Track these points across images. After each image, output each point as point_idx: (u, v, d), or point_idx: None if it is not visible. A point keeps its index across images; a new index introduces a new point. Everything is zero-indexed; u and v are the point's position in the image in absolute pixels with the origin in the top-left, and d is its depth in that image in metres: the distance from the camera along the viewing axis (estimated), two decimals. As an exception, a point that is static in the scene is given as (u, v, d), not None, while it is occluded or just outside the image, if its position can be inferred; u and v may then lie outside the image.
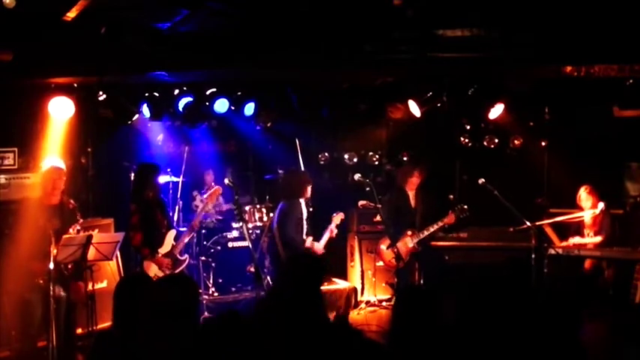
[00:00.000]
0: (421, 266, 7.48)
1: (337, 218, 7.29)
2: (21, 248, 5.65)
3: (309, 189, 7.06)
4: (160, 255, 6.49)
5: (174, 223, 7.97)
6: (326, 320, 3.88)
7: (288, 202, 7.01)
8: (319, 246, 7.07)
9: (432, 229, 7.19)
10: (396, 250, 6.54)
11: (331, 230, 7.18)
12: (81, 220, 5.87)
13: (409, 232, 7.18)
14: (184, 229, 7.12)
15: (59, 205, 5.90)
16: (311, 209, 7.45)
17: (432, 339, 2.94)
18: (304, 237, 6.97)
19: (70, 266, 5.76)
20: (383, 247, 7.42)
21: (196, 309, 3.59)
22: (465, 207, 7.22)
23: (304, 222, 7.00)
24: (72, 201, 5.99)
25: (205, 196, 7.16)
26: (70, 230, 5.70)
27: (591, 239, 7.36)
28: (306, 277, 4.01)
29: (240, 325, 3.17)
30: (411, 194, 7.52)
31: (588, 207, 7.36)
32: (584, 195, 7.40)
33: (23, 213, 5.81)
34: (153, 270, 6.37)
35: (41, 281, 5.66)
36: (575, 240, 7.37)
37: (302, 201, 7.04)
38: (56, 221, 5.79)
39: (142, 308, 3.48)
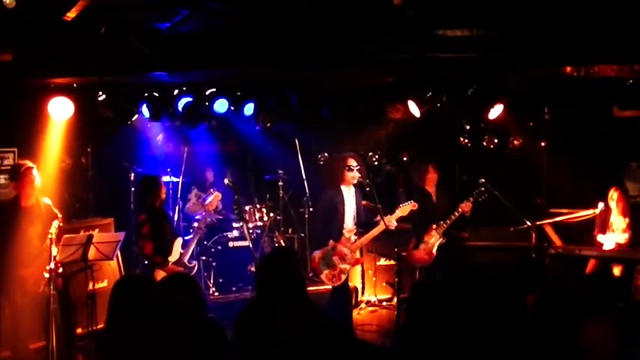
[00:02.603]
0: (439, 264, 7.27)
1: (407, 208, 6.30)
2: (7, 252, 5.64)
3: (347, 175, 6.13)
4: (170, 264, 6.43)
5: (174, 224, 7.97)
6: (312, 320, 3.83)
7: (322, 192, 6.33)
8: (348, 243, 6.13)
9: (453, 218, 6.96)
10: (396, 250, 6.52)
11: (387, 224, 6.10)
12: (60, 216, 5.79)
13: (434, 226, 7.00)
14: (190, 236, 7.09)
15: (36, 206, 5.85)
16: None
17: (446, 337, 2.93)
18: (345, 230, 6.11)
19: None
20: (410, 246, 7.14)
21: (199, 308, 3.58)
22: (482, 189, 6.91)
23: (345, 212, 6.14)
24: (47, 200, 5.90)
25: (207, 202, 7.07)
26: (52, 227, 5.54)
27: (620, 235, 7.23)
28: (276, 271, 3.91)
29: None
30: (432, 191, 7.31)
31: (619, 209, 7.30)
32: (615, 196, 7.30)
33: (2, 218, 5.78)
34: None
35: (33, 285, 5.67)
36: (605, 238, 7.25)
37: (346, 188, 6.17)
38: (37, 223, 5.77)
39: (141, 309, 3.48)
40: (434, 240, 7.02)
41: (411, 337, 3.09)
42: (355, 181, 6.19)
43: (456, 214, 6.96)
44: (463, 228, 7.63)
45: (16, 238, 5.67)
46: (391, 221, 6.13)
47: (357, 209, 6.24)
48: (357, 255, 6.34)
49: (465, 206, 6.94)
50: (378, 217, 6.15)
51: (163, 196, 6.69)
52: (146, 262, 6.52)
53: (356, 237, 6.20)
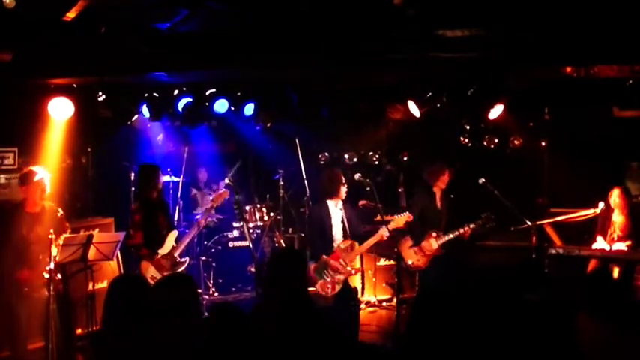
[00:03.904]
0: (442, 270, 7.20)
1: (401, 219, 6.39)
2: (4, 256, 5.65)
3: (342, 189, 6.25)
4: (159, 256, 6.43)
5: (175, 224, 7.96)
6: (314, 321, 3.83)
7: (317, 203, 6.47)
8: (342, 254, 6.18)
9: (457, 233, 6.85)
10: (396, 250, 6.50)
11: (381, 235, 6.24)
12: (69, 230, 5.85)
13: (433, 234, 6.91)
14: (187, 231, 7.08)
15: (41, 212, 5.86)
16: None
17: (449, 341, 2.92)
18: (335, 242, 6.21)
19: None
20: (405, 246, 7.03)
21: (196, 308, 3.59)
22: (493, 216, 6.85)
23: (333, 225, 6.24)
24: (60, 210, 5.93)
25: (211, 198, 7.03)
26: (60, 238, 5.59)
27: (621, 243, 7.09)
28: (284, 274, 3.94)
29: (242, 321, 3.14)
30: (438, 194, 7.18)
31: (620, 209, 7.24)
32: (617, 197, 7.17)
33: (5, 220, 5.79)
34: (150, 271, 6.31)
35: (26, 289, 5.67)
36: (602, 244, 7.14)
37: (332, 202, 6.26)
38: (39, 229, 5.76)
39: (137, 308, 3.48)
40: (432, 248, 6.93)
41: (414, 338, 3.08)
42: (345, 197, 6.30)
43: (457, 232, 6.85)
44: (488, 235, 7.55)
45: (19, 241, 5.68)
46: (385, 232, 6.21)
47: (349, 221, 6.30)
48: (357, 264, 6.38)
49: (464, 231, 6.84)
50: (379, 217, 6.15)
51: (160, 186, 6.67)
52: (135, 252, 6.50)
53: (348, 245, 6.21)
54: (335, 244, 6.21)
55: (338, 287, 6.07)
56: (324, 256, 6.11)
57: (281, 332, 3.56)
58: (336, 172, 6.56)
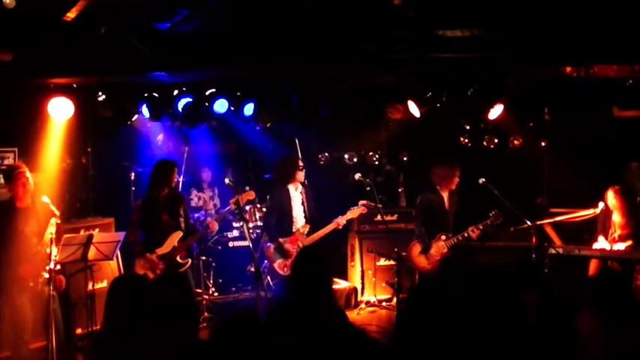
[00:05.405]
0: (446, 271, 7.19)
1: (356, 211, 6.98)
2: (4, 252, 5.63)
3: (299, 174, 6.89)
4: (155, 255, 6.21)
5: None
6: (328, 320, 3.85)
7: (275, 188, 7.07)
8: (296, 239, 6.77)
9: (465, 235, 6.86)
10: (397, 250, 6.51)
11: (337, 223, 6.87)
12: (58, 213, 5.72)
13: (443, 237, 6.93)
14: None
15: (31, 206, 5.82)
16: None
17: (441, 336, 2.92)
18: (296, 224, 6.80)
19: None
20: (415, 252, 7.10)
21: (190, 307, 3.59)
22: (500, 212, 6.82)
23: (293, 208, 6.83)
24: (45, 199, 5.82)
25: (233, 200, 6.84)
26: (50, 225, 5.52)
27: (622, 244, 7.01)
28: (308, 273, 3.98)
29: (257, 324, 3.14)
30: (446, 195, 7.12)
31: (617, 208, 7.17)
32: (613, 197, 7.18)
33: (2, 219, 5.75)
34: (142, 269, 6.17)
35: (32, 284, 5.66)
36: (603, 244, 7.08)
37: (292, 186, 6.88)
38: (33, 224, 5.74)
39: (137, 309, 3.48)
40: (442, 251, 6.95)
41: (407, 338, 3.08)
42: (303, 179, 6.94)
43: (465, 235, 6.85)
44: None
45: (13, 237, 5.65)
46: (341, 221, 6.86)
47: (308, 205, 6.91)
48: (357, 264, 6.56)
49: (473, 232, 6.84)
50: (378, 217, 6.22)
51: (173, 184, 6.50)
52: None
53: (307, 230, 6.80)
54: (295, 226, 6.81)
55: None
56: (280, 239, 6.70)
57: (304, 333, 3.56)
58: (292, 157, 7.31)
